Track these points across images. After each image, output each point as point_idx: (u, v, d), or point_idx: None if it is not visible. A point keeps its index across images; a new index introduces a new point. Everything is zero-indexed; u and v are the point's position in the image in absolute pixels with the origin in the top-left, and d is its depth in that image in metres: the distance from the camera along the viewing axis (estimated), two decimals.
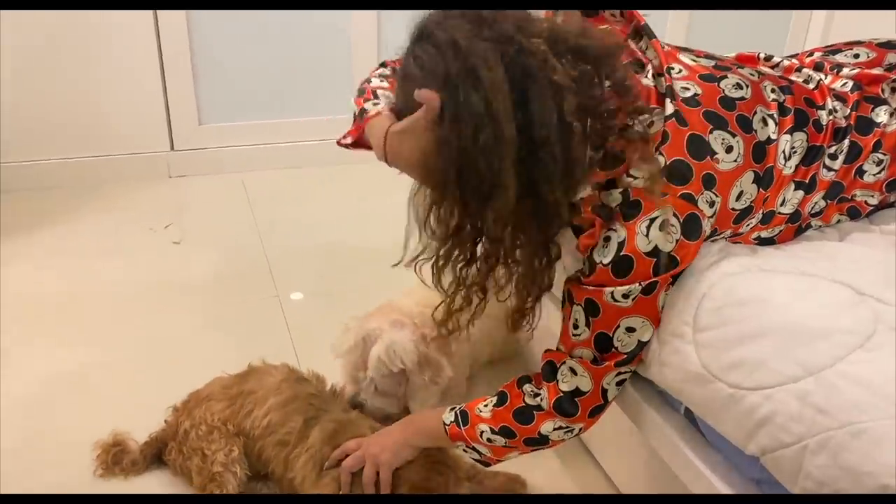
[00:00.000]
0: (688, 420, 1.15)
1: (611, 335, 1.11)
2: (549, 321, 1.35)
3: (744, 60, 1.31)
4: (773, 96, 1.15)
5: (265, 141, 2.91)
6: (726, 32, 3.22)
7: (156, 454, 1.53)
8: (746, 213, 1.12)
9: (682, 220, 1.04)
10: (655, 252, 1.05)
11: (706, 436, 1.11)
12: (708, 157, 1.06)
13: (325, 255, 2.37)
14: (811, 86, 1.21)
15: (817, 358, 0.93)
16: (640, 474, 1.43)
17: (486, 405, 1.25)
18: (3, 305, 2.02)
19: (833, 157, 1.18)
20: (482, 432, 1.23)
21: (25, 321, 1.98)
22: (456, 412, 1.27)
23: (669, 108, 1.07)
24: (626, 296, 1.07)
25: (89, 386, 1.76)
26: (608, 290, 1.07)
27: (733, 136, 1.08)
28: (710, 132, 1.07)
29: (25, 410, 1.66)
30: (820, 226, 1.24)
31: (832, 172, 1.18)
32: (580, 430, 1.20)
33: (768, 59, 1.32)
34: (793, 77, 1.24)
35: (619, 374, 1.15)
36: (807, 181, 1.16)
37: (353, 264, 2.29)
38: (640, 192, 1.04)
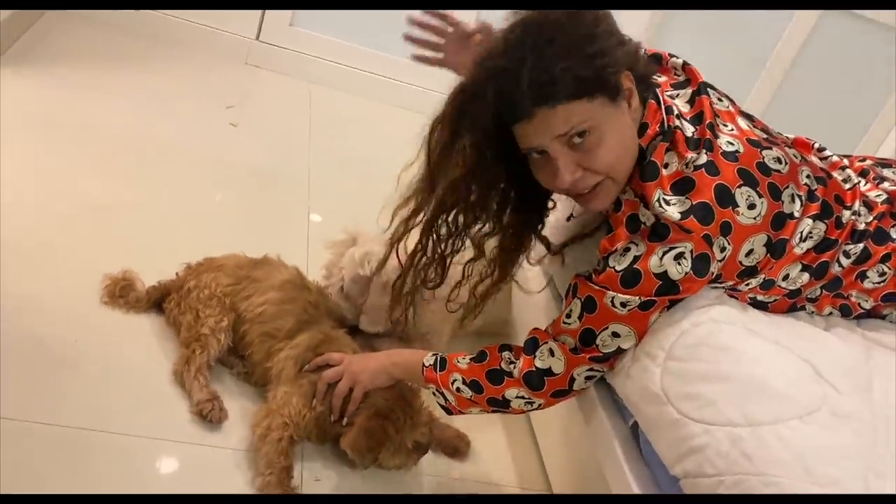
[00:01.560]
0: (632, 433, 1.26)
1: (597, 333, 1.21)
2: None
3: (798, 144, 1.39)
4: (806, 181, 1.24)
5: (344, 62, 2.98)
6: (806, 119, 3.27)
7: (159, 300, 1.64)
8: (751, 272, 1.21)
9: (694, 256, 1.14)
10: (664, 276, 1.15)
11: (642, 450, 1.22)
12: (730, 208, 1.15)
13: (360, 185, 2.45)
14: (847, 186, 1.30)
15: (761, 413, 1.04)
16: (571, 465, 1.55)
17: (464, 358, 1.36)
18: (59, 127, 2.11)
19: (847, 255, 1.27)
20: (454, 380, 1.34)
21: (72, 146, 2.06)
22: (437, 357, 1.38)
23: (703, 157, 1.16)
24: (624, 305, 1.18)
25: (114, 221, 1.85)
26: (610, 293, 1.18)
27: (760, 196, 1.16)
28: (739, 186, 1.15)
29: (50, 226, 1.75)
30: (813, 311, 1.33)
31: (840, 268, 1.27)
32: (540, 405, 1.30)
33: (821, 150, 1.41)
34: (834, 173, 1.33)
35: (591, 369, 1.25)
36: (814, 266, 1.25)
37: (384, 201, 2.38)
38: (670, 221, 1.14)
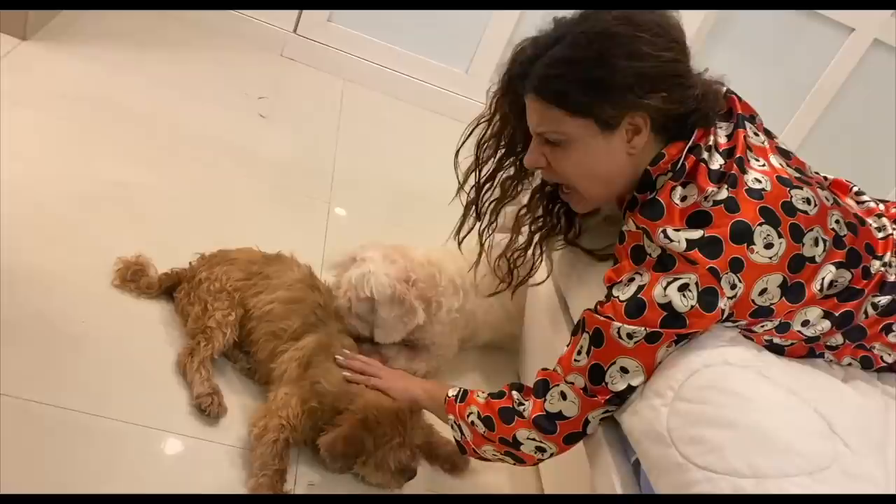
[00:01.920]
0: (633, 470, 1.23)
1: (605, 369, 1.17)
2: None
3: (836, 186, 1.35)
4: (834, 226, 1.19)
5: (379, 61, 2.98)
6: (845, 152, 3.22)
7: (171, 288, 1.63)
8: (765, 313, 1.17)
9: (700, 289, 1.11)
10: (668, 307, 1.12)
11: (642, 488, 1.18)
12: (745, 245, 1.12)
13: (384, 185, 2.46)
14: (880, 234, 1.25)
15: (766, 466, 1.00)
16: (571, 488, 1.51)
17: (484, 393, 1.34)
18: (89, 106, 2.12)
19: (875, 306, 1.22)
20: (470, 413, 1.31)
21: (100, 125, 2.07)
22: (460, 390, 1.37)
23: (724, 193, 1.14)
24: (630, 336, 1.14)
25: (132, 203, 1.85)
26: (616, 325, 1.15)
27: (780, 236, 1.13)
28: (759, 225, 1.12)
29: (69, 204, 1.75)
30: (832, 360, 1.29)
31: (865, 318, 1.23)
32: (552, 452, 1.25)
33: (859, 193, 1.36)
34: (869, 220, 1.28)
35: (606, 411, 1.21)
36: (837, 314, 1.21)
37: (406, 204, 2.38)
38: (675, 253, 1.12)
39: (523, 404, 1.25)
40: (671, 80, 1.17)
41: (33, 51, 2.20)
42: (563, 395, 1.21)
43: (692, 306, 1.11)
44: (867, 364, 1.29)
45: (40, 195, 1.74)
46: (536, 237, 1.50)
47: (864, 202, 1.35)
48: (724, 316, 1.15)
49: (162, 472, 1.34)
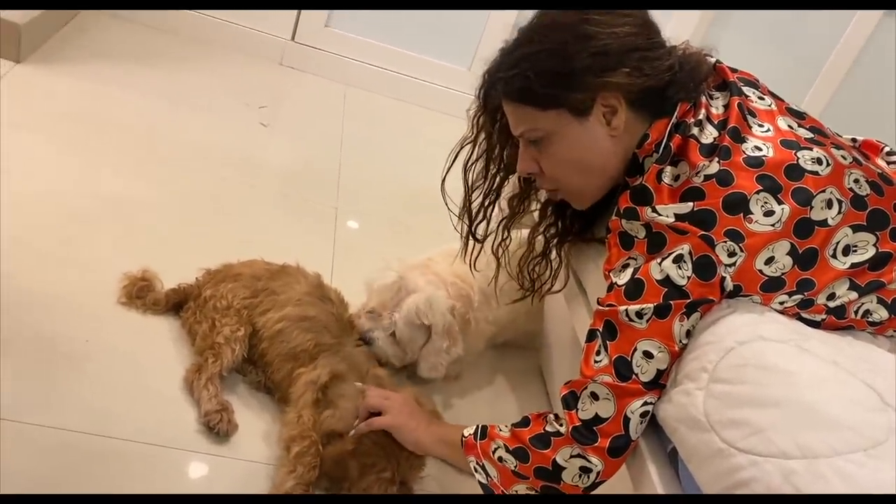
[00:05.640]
0: (670, 460, 1.15)
1: (629, 359, 1.11)
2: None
3: (866, 146, 1.29)
4: (852, 186, 1.13)
5: (380, 63, 2.93)
6: (861, 127, 3.13)
7: (178, 304, 1.58)
8: (777, 285, 1.11)
9: (694, 259, 1.07)
10: (667, 282, 1.08)
11: (681, 479, 1.10)
12: (740, 215, 1.07)
13: (391, 188, 2.41)
14: None
15: (817, 445, 0.91)
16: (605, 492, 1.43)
17: (506, 426, 1.25)
18: (88, 123, 2.09)
19: None
20: (496, 448, 1.22)
21: (100, 142, 2.03)
22: (477, 427, 1.29)
23: (714, 167, 1.10)
24: (640, 315, 1.09)
25: (135, 219, 1.81)
26: (622, 308, 1.10)
27: (780, 203, 1.08)
28: (756, 193, 1.08)
29: (71, 221, 1.71)
30: (873, 332, 1.21)
31: None
32: (598, 471, 1.14)
33: (891, 153, 1.29)
34: None
35: (645, 402, 1.12)
36: (863, 285, 1.14)
37: (414, 206, 2.32)
38: (663, 226, 1.09)
39: (559, 421, 1.17)
40: (630, 55, 1.14)
41: (29, 73, 2.18)
42: (595, 396, 1.13)
43: (689, 277, 1.07)
44: None
45: (41, 214, 1.70)
46: (553, 244, 1.45)
47: (895, 162, 1.27)
48: (731, 287, 1.09)
49: (175, 490, 1.27)
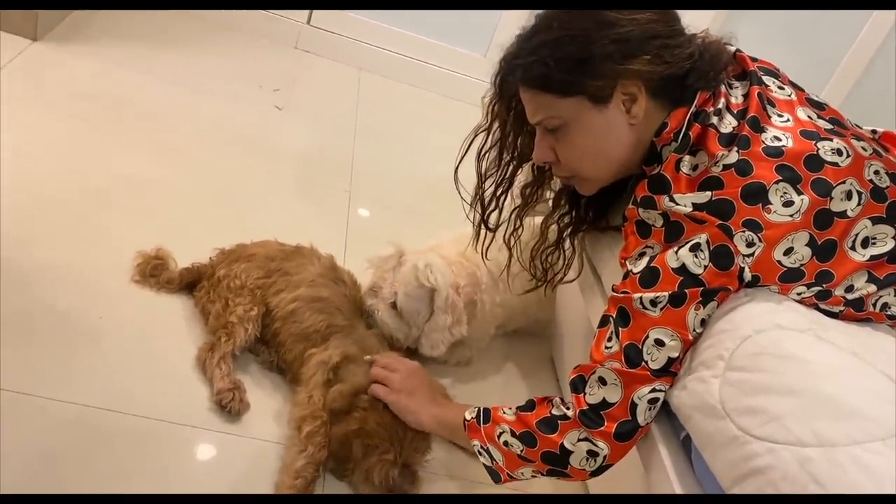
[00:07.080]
0: (683, 448, 1.14)
1: (640, 346, 1.10)
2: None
3: (887, 138, 1.27)
4: (872, 177, 1.12)
5: (395, 49, 2.92)
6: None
7: (192, 283, 1.58)
8: (796, 275, 1.10)
9: (712, 248, 1.06)
10: (682, 270, 1.07)
11: (694, 467, 1.10)
12: (759, 205, 1.06)
13: (404, 173, 2.40)
14: None
15: (834, 433, 0.91)
16: (617, 480, 1.42)
17: (510, 409, 1.24)
18: (103, 103, 2.09)
19: None
20: (501, 433, 1.22)
21: (114, 122, 2.04)
22: (479, 410, 1.28)
23: (733, 156, 1.09)
24: (654, 303, 1.09)
25: (151, 198, 1.81)
26: (636, 296, 1.10)
27: (799, 193, 1.07)
28: (776, 183, 1.07)
29: (86, 199, 1.72)
30: (891, 325, 1.20)
31: None
32: (605, 456, 1.14)
33: None
34: None
35: (654, 389, 1.11)
36: (881, 277, 1.12)
37: (427, 193, 2.31)
38: (680, 215, 1.08)
39: (566, 405, 1.17)
40: (651, 42, 1.13)
41: (45, 51, 2.18)
42: (603, 381, 1.13)
43: (706, 266, 1.06)
44: None
45: (56, 192, 1.70)
46: (567, 233, 1.44)
47: None
48: (749, 277, 1.08)
49: (183, 466, 1.28)
